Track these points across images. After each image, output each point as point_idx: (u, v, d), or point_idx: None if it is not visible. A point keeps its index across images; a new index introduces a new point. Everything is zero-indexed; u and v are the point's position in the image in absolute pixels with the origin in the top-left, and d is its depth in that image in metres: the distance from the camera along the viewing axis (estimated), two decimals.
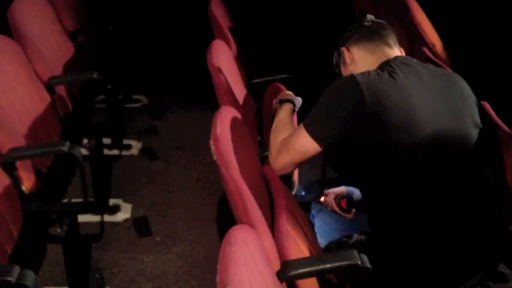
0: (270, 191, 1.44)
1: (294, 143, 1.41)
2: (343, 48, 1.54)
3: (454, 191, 1.36)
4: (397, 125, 1.30)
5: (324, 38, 3.05)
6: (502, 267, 1.81)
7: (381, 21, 1.56)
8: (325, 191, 1.69)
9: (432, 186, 1.34)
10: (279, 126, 1.53)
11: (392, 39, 1.51)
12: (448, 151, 1.35)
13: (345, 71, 1.54)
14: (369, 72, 1.37)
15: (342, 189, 1.66)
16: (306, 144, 1.38)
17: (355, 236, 1.49)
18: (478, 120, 1.42)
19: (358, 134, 1.33)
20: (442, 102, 1.37)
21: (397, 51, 1.50)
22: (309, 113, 1.42)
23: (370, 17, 1.54)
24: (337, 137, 1.36)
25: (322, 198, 1.69)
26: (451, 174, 1.35)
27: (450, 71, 1.53)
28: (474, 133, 1.39)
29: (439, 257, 1.35)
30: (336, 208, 1.65)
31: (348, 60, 1.53)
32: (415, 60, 1.46)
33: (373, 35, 1.50)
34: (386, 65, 1.41)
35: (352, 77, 1.36)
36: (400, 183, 1.34)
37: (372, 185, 1.41)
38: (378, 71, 1.39)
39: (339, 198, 1.64)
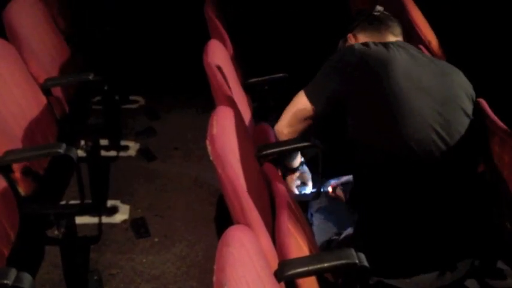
0: (270, 189, 1.44)
1: (293, 104, 1.53)
2: (350, 35, 1.60)
3: (442, 176, 1.37)
4: (385, 94, 1.36)
5: (320, 37, 3.05)
6: (500, 264, 1.82)
7: (388, 14, 1.62)
8: (332, 183, 1.73)
9: (420, 172, 1.36)
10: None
11: (398, 31, 1.58)
12: (436, 133, 1.37)
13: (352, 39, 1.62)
14: (367, 43, 1.45)
15: (347, 178, 1.69)
16: (302, 105, 1.50)
17: (344, 233, 1.50)
18: (469, 111, 1.43)
19: (349, 104, 1.41)
20: (432, 83, 1.41)
21: (400, 40, 1.57)
22: None
23: (379, 8, 1.60)
24: (330, 99, 1.45)
25: (331, 190, 1.73)
26: (439, 158, 1.37)
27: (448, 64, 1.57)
28: (463, 120, 1.41)
29: (427, 246, 1.37)
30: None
31: (355, 40, 1.59)
32: (416, 49, 1.52)
33: (380, 25, 1.56)
34: (385, 43, 1.48)
35: (351, 45, 1.48)
36: (388, 169, 1.37)
37: (362, 172, 1.44)
38: (379, 44, 1.46)
39: (349, 187, 1.66)
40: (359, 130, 1.41)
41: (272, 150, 1.65)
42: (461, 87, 1.45)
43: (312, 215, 1.80)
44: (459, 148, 1.38)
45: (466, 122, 1.41)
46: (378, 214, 1.41)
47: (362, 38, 1.56)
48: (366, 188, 1.44)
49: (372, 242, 1.39)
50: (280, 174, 1.56)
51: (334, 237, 1.53)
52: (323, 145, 1.62)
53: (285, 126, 1.58)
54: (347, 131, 1.44)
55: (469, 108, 1.44)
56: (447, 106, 1.39)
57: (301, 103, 1.51)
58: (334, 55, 1.49)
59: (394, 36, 1.56)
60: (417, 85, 1.38)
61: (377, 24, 1.56)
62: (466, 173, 1.42)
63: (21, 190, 1.67)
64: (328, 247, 1.52)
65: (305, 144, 1.64)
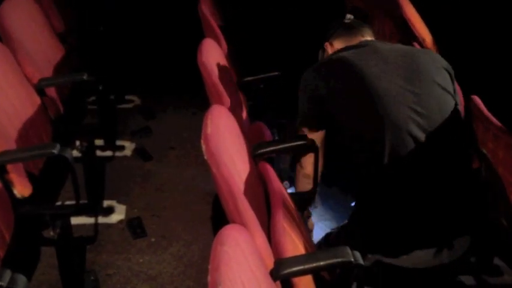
0: (265, 188, 1.44)
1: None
2: (327, 43, 1.73)
3: (429, 152, 1.41)
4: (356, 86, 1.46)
5: (315, 36, 3.05)
6: (497, 260, 1.83)
7: (358, 20, 1.77)
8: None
9: (407, 150, 1.39)
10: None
11: (368, 33, 1.70)
12: (410, 109, 1.42)
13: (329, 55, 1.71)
14: (331, 56, 1.62)
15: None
16: (310, 136, 1.60)
17: (337, 229, 1.52)
18: (444, 84, 1.49)
19: (330, 113, 1.52)
20: (398, 63, 1.50)
21: (368, 36, 1.68)
22: None
23: (349, 16, 1.76)
24: (320, 118, 1.57)
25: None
26: (422, 134, 1.41)
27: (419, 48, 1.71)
28: (438, 93, 1.47)
29: (422, 224, 1.39)
30: None
31: (331, 52, 1.69)
32: (388, 43, 1.67)
33: (352, 30, 1.70)
34: (356, 46, 1.61)
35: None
36: (377, 152, 1.41)
37: (355, 157, 1.50)
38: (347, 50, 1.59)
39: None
40: (344, 124, 1.51)
41: (267, 149, 1.65)
42: (430, 62, 1.53)
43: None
44: (439, 120, 1.42)
45: (440, 93, 1.47)
46: (373, 195, 1.44)
47: (338, 44, 1.69)
48: (360, 170, 1.49)
49: (369, 222, 1.43)
50: (275, 173, 1.56)
51: (331, 230, 1.55)
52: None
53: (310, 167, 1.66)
54: (335, 129, 1.55)
55: (444, 81, 1.50)
56: (416, 81, 1.46)
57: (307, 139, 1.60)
58: (301, 81, 1.62)
59: (365, 38, 1.68)
60: (383, 69, 1.48)
61: (349, 30, 1.71)
62: (455, 147, 1.45)
63: (16, 191, 1.66)
64: (327, 240, 1.54)
65: (300, 143, 1.64)
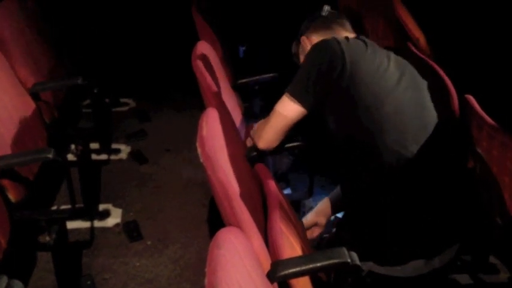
0: (262, 188, 1.44)
1: (278, 108, 1.48)
2: (303, 37, 1.63)
3: (425, 160, 1.39)
4: (368, 89, 1.38)
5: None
6: (493, 259, 1.83)
7: (335, 11, 1.68)
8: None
9: (404, 159, 1.37)
10: (258, 123, 1.61)
11: (348, 26, 1.62)
12: (410, 115, 1.40)
13: (303, 55, 1.60)
14: (346, 37, 1.48)
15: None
16: (289, 107, 1.45)
17: (333, 230, 1.51)
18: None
19: (335, 93, 1.40)
20: (406, 77, 1.44)
21: (353, 35, 1.58)
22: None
23: (326, 7, 1.65)
24: (317, 95, 1.42)
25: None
26: (419, 142, 1.39)
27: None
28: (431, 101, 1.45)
29: (414, 233, 1.38)
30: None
31: (308, 46, 1.59)
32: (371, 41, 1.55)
33: (331, 23, 1.61)
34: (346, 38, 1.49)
35: (326, 39, 1.45)
36: (374, 160, 1.38)
37: (349, 162, 1.45)
38: (350, 38, 1.48)
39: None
40: (341, 122, 1.44)
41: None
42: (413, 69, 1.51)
43: (304, 213, 1.80)
44: (436, 127, 1.42)
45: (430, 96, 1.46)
46: (366, 203, 1.42)
47: (316, 39, 1.58)
48: (354, 177, 1.45)
49: (361, 231, 1.40)
50: (272, 174, 1.56)
51: (325, 235, 1.53)
52: (306, 140, 1.64)
53: (277, 133, 1.52)
54: (327, 124, 1.47)
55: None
56: (415, 84, 1.45)
57: (287, 106, 1.46)
58: (314, 49, 1.46)
59: (346, 31, 1.60)
60: (387, 75, 1.42)
61: (328, 23, 1.61)
62: (451, 156, 1.44)
63: (11, 196, 1.66)
64: (320, 244, 1.53)
65: (295, 144, 1.65)
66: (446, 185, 1.40)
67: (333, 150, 1.49)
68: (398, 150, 1.36)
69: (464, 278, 1.73)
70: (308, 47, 1.58)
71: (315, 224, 1.67)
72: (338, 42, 1.42)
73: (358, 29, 2.62)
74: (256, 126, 1.62)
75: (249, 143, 1.66)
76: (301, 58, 1.64)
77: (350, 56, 1.39)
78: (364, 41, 1.47)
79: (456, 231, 1.42)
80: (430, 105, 1.44)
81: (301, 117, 1.47)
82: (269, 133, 1.51)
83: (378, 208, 1.39)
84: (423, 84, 1.48)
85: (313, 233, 1.67)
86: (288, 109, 1.46)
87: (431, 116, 1.42)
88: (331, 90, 1.41)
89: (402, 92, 1.40)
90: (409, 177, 1.37)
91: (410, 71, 1.48)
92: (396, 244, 1.38)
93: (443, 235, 1.40)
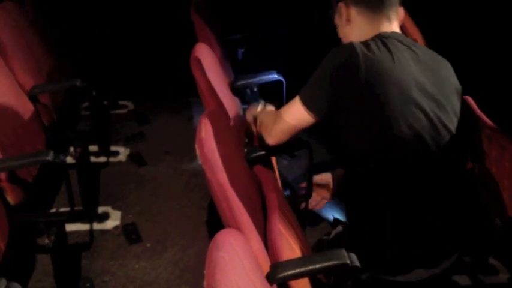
0: (261, 190, 1.43)
1: (289, 110, 1.42)
2: (342, 4, 1.43)
3: (432, 173, 1.36)
4: (386, 102, 1.28)
5: (306, 39, 3.06)
6: (492, 260, 1.83)
7: None
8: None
9: (411, 174, 1.34)
10: (266, 116, 1.55)
11: (393, 12, 1.41)
12: (429, 141, 1.34)
13: (341, 27, 1.47)
14: (368, 43, 1.34)
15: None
16: (300, 111, 1.38)
17: (334, 231, 1.50)
18: (458, 109, 1.41)
19: (347, 106, 1.31)
20: (432, 89, 1.36)
21: (395, 27, 1.42)
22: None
23: None
24: (329, 104, 1.33)
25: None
26: (431, 164, 1.35)
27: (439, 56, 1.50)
28: (453, 120, 1.39)
29: (413, 242, 1.37)
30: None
31: (344, 17, 1.43)
32: (410, 40, 1.42)
33: (378, 4, 1.39)
34: (383, 39, 1.35)
35: (350, 44, 1.32)
36: (380, 169, 1.35)
37: (351, 168, 1.43)
38: (378, 43, 1.34)
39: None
40: (350, 130, 1.36)
41: (261, 153, 1.65)
42: (451, 85, 1.43)
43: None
44: (448, 146, 1.37)
45: (455, 121, 1.39)
46: (367, 211, 1.41)
47: (353, 13, 1.40)
48: (355, 184, 1.43)
49: (361, 238, 1.39)
50: (271, 176, 1.55)
51: (324, 237, 1.53)
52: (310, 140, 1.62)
53: (285, 133, 1.45)
54: (336, 130, 1.40)
55: (458, 106, 1.42)
56: (439, 108, 1.35)
57: (297, 110, 1.38)
58: (331, 54, 1.35)
59: (388, 22, 1.40)
60: (418, 93, 1.32)
61: (377, 3, 1.39)
62: (455, 169, 1.42)
63: (10, 199, 1.66)
64: (319, 247, 1.52)
65: (296, 145, 1.65)
66: (447, 188, 1.39)
67: (336, 150, 1.47)
68: (403, 161, 1.33)
69: (463, 279, 1.73)
70: (343, 16, 1.42)
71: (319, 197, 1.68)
72: (355, 51, 1.30)
73: None
74: (263, 119, 1.56)
75: (253, 128, 1.63)
76: (337, 21, 1.47)
77: (368, 72, 1.28)
78: (391, 50, 1.33)
79: (457, 240, 1.41)
80: (444, 117, 1.36)
81: (311, 124, 1.40)
82: (277, 134, 1.47)
83: (378, 212, 1.38)
84: (444, 89, 1.38)
85: (319, 205, 1.68)
86: (297, 117, 1.40)
87: (443, 127, 1.36)
88: (343, 102, 1.32)
89: (417, 108, 1.31)
90: (412, 183, 1.36)
91: (435, 74, 1.38)
92: (397, 251, 1.37)
93: (446, 244, 1.39)
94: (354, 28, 1.43)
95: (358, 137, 1.34)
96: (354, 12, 1.41)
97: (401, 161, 1.32)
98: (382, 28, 1.40)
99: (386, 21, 1.40)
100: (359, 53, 1.29)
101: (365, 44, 1.34)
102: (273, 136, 1.48)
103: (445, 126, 1.35)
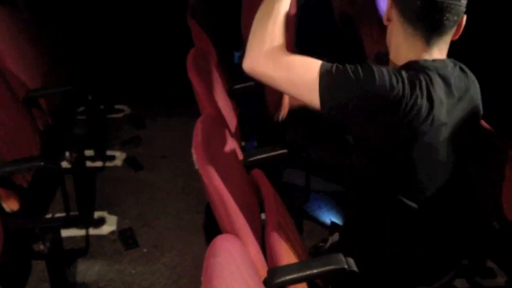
0: (258, 194, 1.43)
1: (296, 71, 1.14)
2: (390, 7, 1.21)
3: (432, 179, 1.30)
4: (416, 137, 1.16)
5: (303, 40, 3.05)
6: (490, 263, 1.83)
7: (452, 2, 1.14)
8: None
9: (411, 174, 1.27)
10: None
11: (442, 36, 1.17)
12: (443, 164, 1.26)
13: (385, 17, 1.25)
14: (428, 74, 1.16)
15: None
16: (307, 89, 1.13)
17: (330, 239, 1.49)
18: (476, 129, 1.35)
19: (370, 121, 1.14)
20: (453, 119, 1.23)
21: (436, 53, 1.20)
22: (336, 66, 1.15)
23: None
24: (346, 107, 1.13)
25: None
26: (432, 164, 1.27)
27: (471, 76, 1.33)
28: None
29: (414, 255, 1.35)
30: None
31: (387, 13, 1.22)
32: (450, 65, 1.23)
33: (421, 18, 1.14)
34: (425, 70, 1.17)
35: (414, 68, 1.15)
36: (384, 182, 1.33)
37: (357, 178, 1.36)
38: (433, 76, 1.17)
39: None
40: (355, 130, 1.22)
41: (259, 157, 1.65)
42: (478, 111, 1.30)
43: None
44: (459, 167, 1.32)
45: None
46: (367, 211, 1.39)
47: (395, 18, 1.19)
48: (355, 184, 1.37)
49: (361, 240, 1.37)
50: (269, 180, 1.54)
51: (321, 244, 1.52)
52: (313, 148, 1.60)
53: (272, 79, 1.17)
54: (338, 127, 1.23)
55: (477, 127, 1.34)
56: (461, 137, 1.25)
57: (306, 83, 1.13)
58: (388, 67, 1.16)
59: (427, 46, 1.18)
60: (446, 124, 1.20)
61: (418, 15, 1.14)
62: (455, 170, 1.39)
63: (5, 205, 1.64)
64: (316, 254, 1.51)
65: (294, 150, 1.64)
66: (447, 188, 1.37)
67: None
68: (413, 186, 1.27)
69: (461, 282, 1.73)
70: (387, 12, 1.22)
71: None
72: (428, 83, 1.13)
73: (353, 33, 2.63)
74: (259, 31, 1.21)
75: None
76: (389, 35, 1.25)
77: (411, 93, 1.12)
78: (434, 76, 1.17)
79: (458, 255, 1.40)
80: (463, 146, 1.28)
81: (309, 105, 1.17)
82: (272, 70, 1.16)
83: (378, 212, 1.36)
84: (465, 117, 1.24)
85: None
86: (306, 86, 1.13)
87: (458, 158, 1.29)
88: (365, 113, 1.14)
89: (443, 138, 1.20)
90: (410, 179, 1.34)
91: (463, 99, 1.23)
92: (397, 255, 1.36)
93: (444, 261, 1.37)
94: (392, 33, 1.23)
95: (372, 153, 1.24)
96: (395, 17, 1.20)
97: (403, 162, 1.30)
98: (419, 51, 1.19)
99: (425, 45, 1.18)
100: (420, 76, 1.14)
101: (426, 72, 1.17)
102: (260, 66, 1.16)
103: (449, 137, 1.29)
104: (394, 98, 1.12)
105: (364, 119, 1.15)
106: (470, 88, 1.27)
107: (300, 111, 1.34)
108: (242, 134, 2.14)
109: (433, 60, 1.19)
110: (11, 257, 1.60)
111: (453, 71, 1.23)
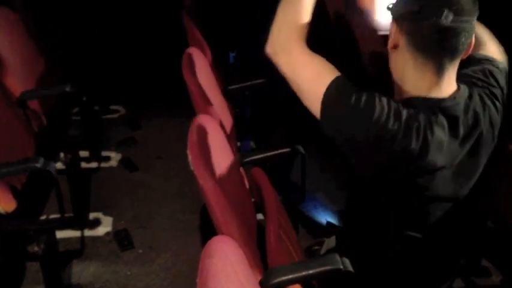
0: (254, 193, 1.43)
1: (306, 76, 1.12)
2: (396, 21, 1.10)
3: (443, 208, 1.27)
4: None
5: None
6: (485, 262, 1.84)
7: (466, 22, 1.05)
8: None
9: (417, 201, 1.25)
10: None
11: (454, 61, 1.09)
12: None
13: (389, 49, 1.15)
14: (432, 125, 1.09)
15: None
16: (311, 97, 1.11)
17: (326, 243, 1.48)
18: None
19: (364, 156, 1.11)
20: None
21: (445, 84, 1.11)
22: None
23: (449, 15, 1.02)
24: (340, 134, 1.10)
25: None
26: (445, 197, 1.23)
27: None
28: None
29: (416, 253, 1.35)
30: None
31: (392, 38, 1.12)
32: (463, 98, 1.14)
33: (435, 45, 1.05)
34: (427, 110, 1.10)
35: (413, 119, 1.08)
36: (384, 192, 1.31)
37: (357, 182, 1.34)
38: (435, 117, 1.09)
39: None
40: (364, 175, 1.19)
41: (255, 157, 1.65)
42: (489, 144, 1.23)
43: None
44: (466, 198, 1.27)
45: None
46: (365, 222, 1.38)
47: (403, 43, 1.09)
48: (356, 184, 1.37)
49: (357, 251, 1.35)
50: (268, 180, 1.53)
51: (316, 247, 1.51)
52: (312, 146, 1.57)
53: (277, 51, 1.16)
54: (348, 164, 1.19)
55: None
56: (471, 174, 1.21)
57: (310, 95, 1.11)
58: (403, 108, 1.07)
59: (439, 79, 1.09)
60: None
61: (430, 42, 1.05)
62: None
63: (0, 207, 1.63)
64: (311, 256, 1.50)
65: (289, 150, 1.64)
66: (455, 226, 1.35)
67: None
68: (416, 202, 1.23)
69: (456, 282, 1.73)
70: (393, 35, 1.11)
71: None
72: (415, 134, 1.06)
73: (349, 34, 2.63)
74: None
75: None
76: (393, 64, 1.15)
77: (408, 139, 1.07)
78: (443, 117, 1.10)
79: (454, 266, 1.39)
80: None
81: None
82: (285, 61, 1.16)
83: (379, 212, 1.34)
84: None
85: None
86: (309, 97, 1.10)
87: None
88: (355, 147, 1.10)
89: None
90: (410, 179, 1.33)
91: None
92: (399, 253, 1.34)
93: (441, 272, 1.36)
94: (398, 59, 1.12)
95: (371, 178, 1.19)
96: (404, 42, 1.08)
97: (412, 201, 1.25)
98: (429, 86, 1.11)
99: (436, 77, 1.09)
100: (420, 128, 1.07)
101: (429, 120, 1.09)
102: (282, 50, 1.15)
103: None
104: (383, 138, 1.07)
105: (354, 152, 1.12)
106: (481, 121, 1.16)
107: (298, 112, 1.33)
108: (237, 135, 2.14)
109: (443, 100, 1.11)
110: (5, 258, 1.59)
111: (467, 106, 1.13)
